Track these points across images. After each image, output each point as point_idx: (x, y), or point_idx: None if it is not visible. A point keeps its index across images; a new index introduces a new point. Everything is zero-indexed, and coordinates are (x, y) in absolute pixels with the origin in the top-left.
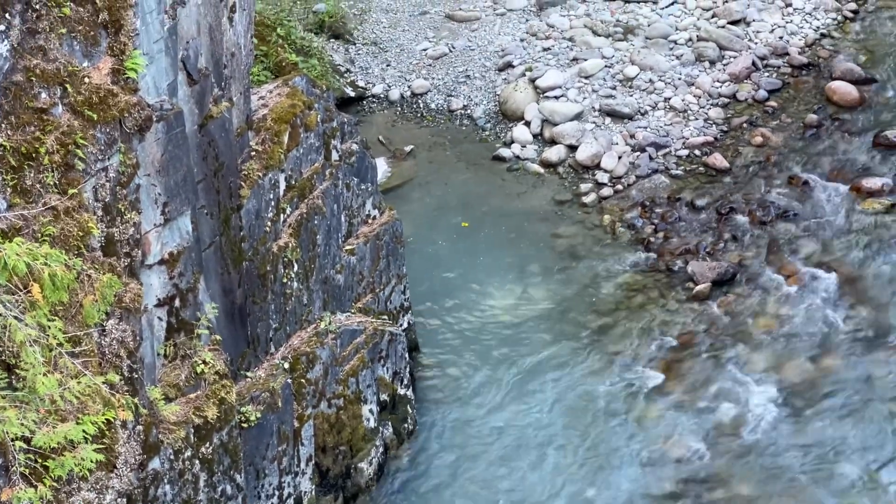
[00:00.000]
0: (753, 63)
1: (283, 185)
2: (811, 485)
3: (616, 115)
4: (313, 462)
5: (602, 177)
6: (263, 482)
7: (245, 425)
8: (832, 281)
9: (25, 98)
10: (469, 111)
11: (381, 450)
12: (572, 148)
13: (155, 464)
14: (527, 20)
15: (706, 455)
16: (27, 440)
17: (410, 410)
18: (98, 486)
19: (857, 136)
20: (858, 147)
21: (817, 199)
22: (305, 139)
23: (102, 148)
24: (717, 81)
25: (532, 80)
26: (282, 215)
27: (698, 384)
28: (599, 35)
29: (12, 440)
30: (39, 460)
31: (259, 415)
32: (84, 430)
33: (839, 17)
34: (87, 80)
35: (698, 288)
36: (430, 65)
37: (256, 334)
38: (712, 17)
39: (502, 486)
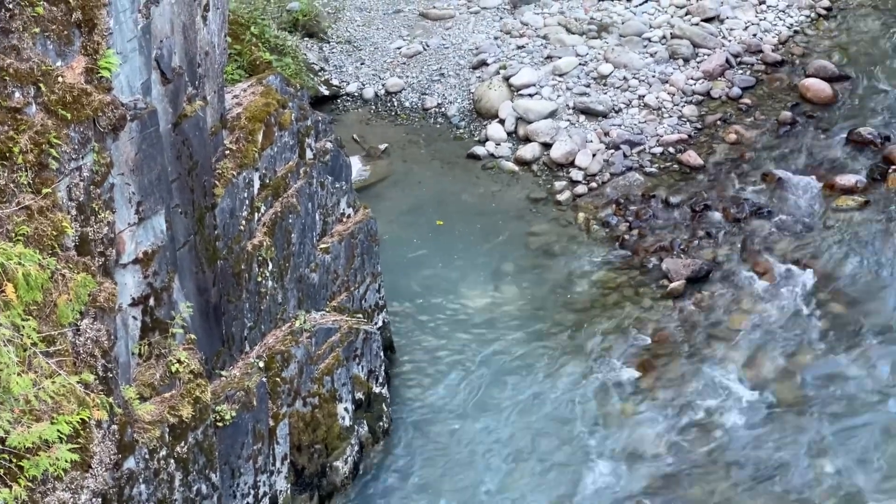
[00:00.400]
0: (727, 60)
1: (257, 184)
2: (786, 481)
3: (590, 113)
4: (288, 461)
5: (576, 174)
6: (239, 481)
7: (220, 424)
8: (806, 278)
9: None
10: (443, 109)
11: (356, 448)
12: (546, 146)
13: (130, 463)
14: (501, 18)
15: (682, 452)
16: (1, 440)
17: (385, 409)
18: (73, 486)
19: (830, 133)
20: (832, 144)
21: (791, 196)
22: (279, 138)
23: (76, 147)
24: (691, 79)
25: (506, 78)
26: (256, 214)
27: (673, 381)
28: (573, 33)
29: None
30: (14, 460)
31: (234, 414)
32: (59, 430)
33: (812, 15)
34: (60, 79)
35: (673, 285)
36: (404, 63)
37: (231, 333)
38: (686, 14)
39: (477, 484)
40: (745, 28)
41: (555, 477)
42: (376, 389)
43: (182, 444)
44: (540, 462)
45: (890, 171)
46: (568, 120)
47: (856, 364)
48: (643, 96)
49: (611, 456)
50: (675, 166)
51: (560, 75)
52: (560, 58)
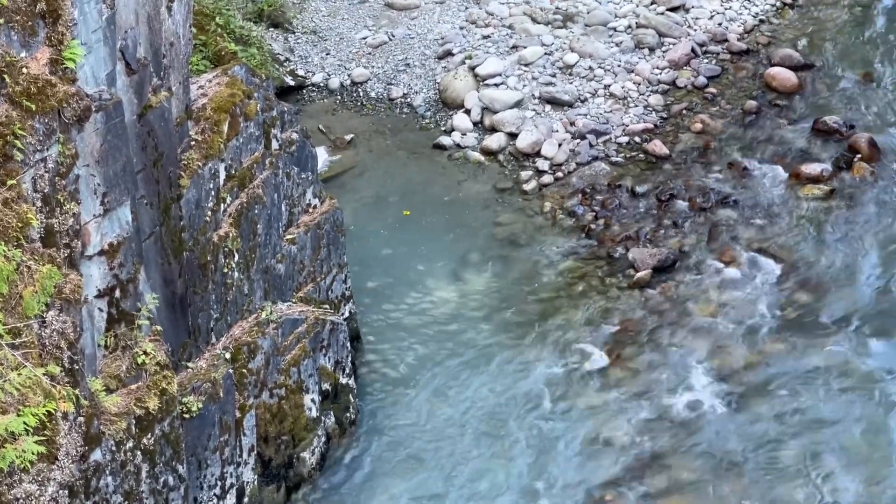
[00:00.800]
0: (693, 50)
1: (223, 175)
2: (753, 470)
3: (556, 103)
4: (255, 452)
5: (542, 164)
6: (206, 473)
7: (187, 416)
8: (772, 267)
9: None
10: (409, 99)
11: (323, 439)
12: (512, 136)
13: (97, 455)
14: (466, 8)
15: (649, 441)
16: None
17: (353, 400)
18: (39, 478)
19: (796, 122)
20: (797, 133)
21: (757, 185)
22: (245, 128)
23: (41, 139)
24: (657, 68)
25: (472, 68)
26: (222, 205)
27: (641, 370)
28: (539, 22)
29: None
30: None
31: (201, 405)
32: (25, 422)
33: (778, 4)
34: (25, 70)
35: (639, 274)
36: (369, 53)
37: (197, 324)
38: (651, 3)
39: (445, 475)
40: (711, 17)
41: (521, 467)
42: (343, 380)
43: (148, 435)
44: (506, 452)
45: (855, 159)
46: (534, 110)
47: (821, 354)
48: (609, 86)
49: (577, 446)
50: (641, 156)
51: (526, 65)
52: (525, 47)
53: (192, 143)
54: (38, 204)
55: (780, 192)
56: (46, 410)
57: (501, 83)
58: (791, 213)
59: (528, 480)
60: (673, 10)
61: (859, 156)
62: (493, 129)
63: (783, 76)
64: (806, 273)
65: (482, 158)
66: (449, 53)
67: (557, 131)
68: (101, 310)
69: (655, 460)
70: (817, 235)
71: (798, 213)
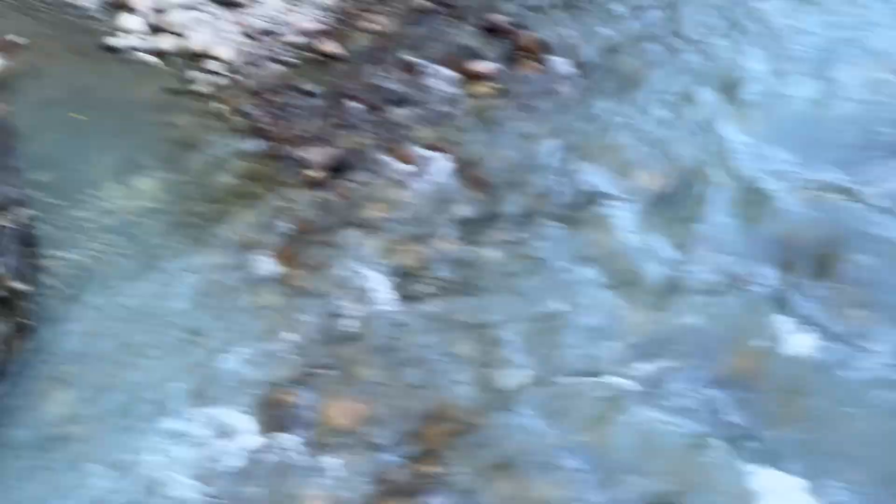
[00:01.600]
0: None
1: None
2: (427, 363)
3: (228, 4)
4: None
5: (215, 66)
6: None
7: None
8: (447, 164)
9: None
10: (80, 1)
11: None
12: (184, 37)
13: None
14: None
15: (325, 340)
16: None
17: (30, 306)
18: None
19: (466, 21)
20: (468, 32)
21: (429, 84)
22: None
23: None
24: None
25: None
26: None
27: (316, 270)
28: None
29: None
30: None
31: None
32: None
33: None
34: None
35: (314, 174)
36: None
37: None
38: None
39: (121, 380)
40: None
41: (194, 374)
42: (18, 286)
43: None
44: (181, 358)
45: (523, 57)
46: (205, 10)
47: (493, 248)
48: None
49: (250, 347)
50: (315, 56)
51: None
52: None
53: None
54: None
55: (451, 91)
56: None
57: None
58: (463, 110)
59: (199, 383)
60: None
61: (527, 54)
62: (163, 30)
63: None
64: (479, 170)
65: (153, 60)
66: None
67: (230, 32)
68: None
69: (331, 358)
70: (488, 132)
71: (469, 110)
